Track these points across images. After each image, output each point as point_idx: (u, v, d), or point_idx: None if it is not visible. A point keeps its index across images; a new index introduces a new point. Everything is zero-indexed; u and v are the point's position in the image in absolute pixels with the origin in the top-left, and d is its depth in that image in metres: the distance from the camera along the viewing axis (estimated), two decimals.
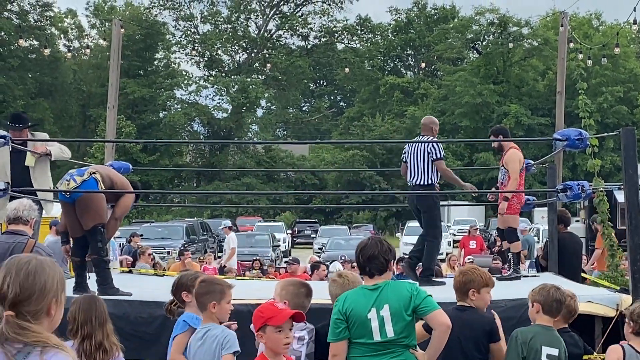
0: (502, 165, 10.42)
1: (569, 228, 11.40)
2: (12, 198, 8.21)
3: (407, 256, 10.96)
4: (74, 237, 8.38)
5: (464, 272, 6.00)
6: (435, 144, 10.03)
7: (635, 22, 25.40)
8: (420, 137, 10.56)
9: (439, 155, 9.98)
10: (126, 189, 8.63)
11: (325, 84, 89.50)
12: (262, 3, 72.78)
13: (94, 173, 8.30)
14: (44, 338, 2.90)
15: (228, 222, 24.00)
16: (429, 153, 9.97)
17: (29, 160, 9.58)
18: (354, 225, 53.97)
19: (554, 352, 5.54)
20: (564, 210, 11.43)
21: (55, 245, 9.74)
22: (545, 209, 14.19)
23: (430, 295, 5.16)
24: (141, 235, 24.22)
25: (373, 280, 5.23)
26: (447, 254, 23.40)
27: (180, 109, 65.07)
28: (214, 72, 70.70)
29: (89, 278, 8.34)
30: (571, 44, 24.59)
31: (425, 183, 10.07)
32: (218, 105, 68.01)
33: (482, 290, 5.82)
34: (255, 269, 19.41)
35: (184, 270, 13.94)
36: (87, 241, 8.32)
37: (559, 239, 11.04)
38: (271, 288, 8.72)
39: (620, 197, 17.89)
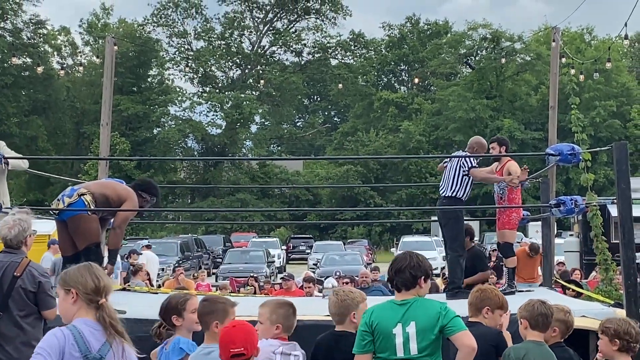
0: None
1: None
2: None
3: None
4: (64, 256, 8.42)
5: (482, 289, 6.02)
6: (469, 159, 10.01)
7: (626, 37, 25.54)
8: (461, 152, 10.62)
9: (471, 164, 9.96)
10: (125, 200, 8.60)
11: (319, 99, 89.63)
12: (256, 19, 72.99)
13: (84, 194, 8.32)
14: None
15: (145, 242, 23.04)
16: (461, 167, 10.01)
17: None
18: (348, 240, 53.88)
19: None
20: (468, 224, 11.53)
21: (54, 264, 9.72)
22: (539, 223, 14.21)
23: (459, 316, 5.11)
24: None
25: (401, 295, 5.20)
26: (442, 269, 23.36)
27: (174, 126, 65.05)
28: (207, 88, 70.77)
29: None
30: (563, 59, 24.69)
31: (449, 195, 10.11)
32: (212, 121, 68.16)
33: (495, 311, 5.86)
34: (250, 286, 19.37)
35: (178, 288, 13.93)
36: (77, 261, 8.34)
37: (472, 254, 10.97)
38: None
39: (613, 211, 17.92)
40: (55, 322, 5.77)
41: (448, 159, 10.45)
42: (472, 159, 10.04)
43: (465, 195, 10.18)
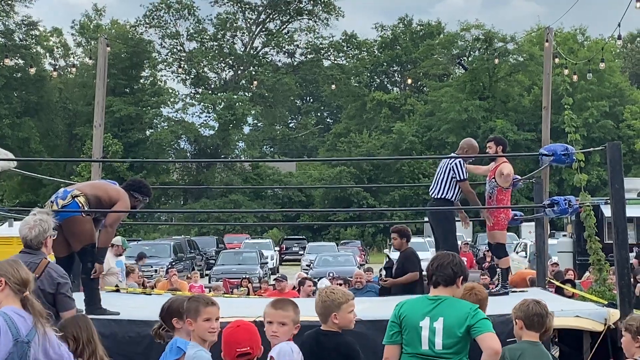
0: (493, 178, 10.36)
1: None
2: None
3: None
4: (57, 257, 8.41)
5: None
6: (459, 165, 10.07)
7: (619, 37, 25.54)
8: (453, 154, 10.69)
9: (462, 177, 10.06)
10: (117, 201, 8.59)
11: (311, 100, 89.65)
12: (248, 20, 72.93)
13: (77, 196, 8.32)
14: None
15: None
16: (451, 171, 10.08)
17: None
18: (341, 241, 53.88)
19: None
20: (404, 226, 11.63)
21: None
22: (532, 223, 14.21)
23: (487, 318, 5.17)
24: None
25: (437, 291, 5.30)
26: None
27: (166, 127, 64.96)
28: (200, 90, 70.70)
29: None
30: (556, 60, 24.70)
31: (439, 197, 10.17)
32: (205, 122, 68.01)
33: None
34: (244, 287, 19.34)
35: (172, 290, 13.90)
36: (70, 262, 8.44)
37: (404, 255, 11.09)
38: (258, 305, 8.70)
39: (606, 211, 17.94)
40: None
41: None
42: (464, 170, 10.10)
43: (455, 197, 10.23)
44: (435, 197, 10.24)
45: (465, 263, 16.07)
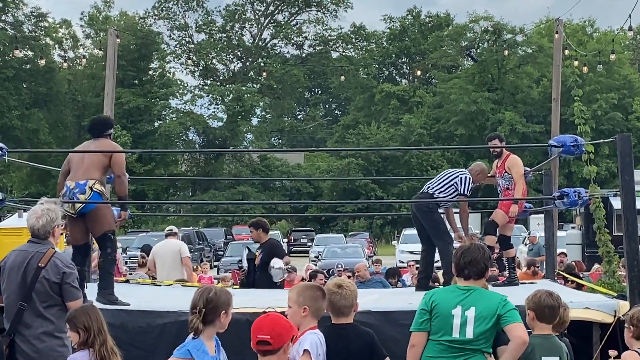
0: (505, 172, 10.42)
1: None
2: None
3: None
4: (75, 245, 8.56)
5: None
6: (467, 180, 10.10)
7: (630, 29, 25.43)
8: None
9: (463, 191, 10.07)
10: (112, 155, 8.75)
11: (320, 92, 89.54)
12: (257, 12, 72.85)
13: (92, 185, 8.47)
14: None
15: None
16: (456, 181, 10.09)
17: None
18: (349, 233, 53.91)
19: None
20: (259, 218, 11.89)
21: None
22: (541, 216, 14.19)
23: (516, 309, 5.36)
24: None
25: (468, 282, 5.47)
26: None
27: (175, 119, 64.98)
28: (208, 81, 70.69)
29: (86, 288, 8.42)
30: (566, 51, 24.63)
31: (429, 192, 10.19)
32: (213, 114, 68.03)
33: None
34: None
35: (178, 281, 13.88)
36: (87, 250, 8.73)
37: (269, 244, 11.45)
38: (267, 297, 8.73)
39: (615, 203, 17.90)
40: None
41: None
42: (468, 187, 10.11)
43: (443, 202, 10.26)
44: (425, 191, 10.28)
45: None
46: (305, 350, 5.04)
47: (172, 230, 14.45)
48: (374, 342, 5.50)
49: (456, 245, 10.14)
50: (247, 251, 12.33)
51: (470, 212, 12.80)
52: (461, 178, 10.11)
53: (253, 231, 11.54)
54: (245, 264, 12.35)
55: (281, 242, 11.59)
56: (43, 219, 6.35)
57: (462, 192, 10.07)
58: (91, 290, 8.33)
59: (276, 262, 11.09)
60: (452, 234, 10.34)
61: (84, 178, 8.58)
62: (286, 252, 12.56)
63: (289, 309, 5.29)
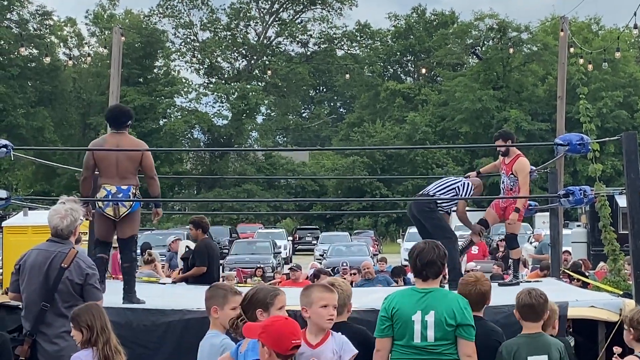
0: (512, 173, 10.30)
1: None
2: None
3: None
4: (101, 240, 8.73)
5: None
6: (468, 186, 10.20)
7: (635, 27, 25.36)
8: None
9: (462, 195, 10.17)
10: (141, 153, 8.81)
11: (325, 90, 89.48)
12: (262, 10, 72.82)
13: (135, 192, 8.70)
14: None
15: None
16: (457, 185, 10.18)
17: None
18: (354, 231, 53.88)
19: (542, 359, 5.54)
20: (201, 217, 11.94)
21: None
22: (546, 214, 14.17)
23: (472, 325, 5.33)
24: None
25: (426, 283, 5.44)
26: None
27: (180, 117, 65.00)
28: (213, 80, 70.69)
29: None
30: (571, 49, 24.58)
31: (428, 195, 10.26)
32: (218, 112, 68.05)
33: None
34: (257, 277, 19.36)
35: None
36: (109, 248, 8.95)
37: (197, 246, 11.49)
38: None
39: (621, 201, 17.87)
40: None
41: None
42: (468, 194, 10.22)
43: (443, 204, 10.24)
44: (425, 193, 10.39)
45: (477, 252, 15.97)
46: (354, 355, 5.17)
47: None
48: (367, 338, 5.58)
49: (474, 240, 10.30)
50: (187, 249, 12.43)
51: (475, 210, 12.79)
52: (463, 183, 10.23)
53: (192, 229, 11.70)
54: (180, 263, 12.50)
55: (216, 245, 11.64)
56: (67, 219, 6.35)
57: (462, 196, 10.17)
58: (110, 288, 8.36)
59: None
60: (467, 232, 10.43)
61: (126, 184, 8.62)
62: (219, 255, 12.61)
63: (335, 309, 5.27)
